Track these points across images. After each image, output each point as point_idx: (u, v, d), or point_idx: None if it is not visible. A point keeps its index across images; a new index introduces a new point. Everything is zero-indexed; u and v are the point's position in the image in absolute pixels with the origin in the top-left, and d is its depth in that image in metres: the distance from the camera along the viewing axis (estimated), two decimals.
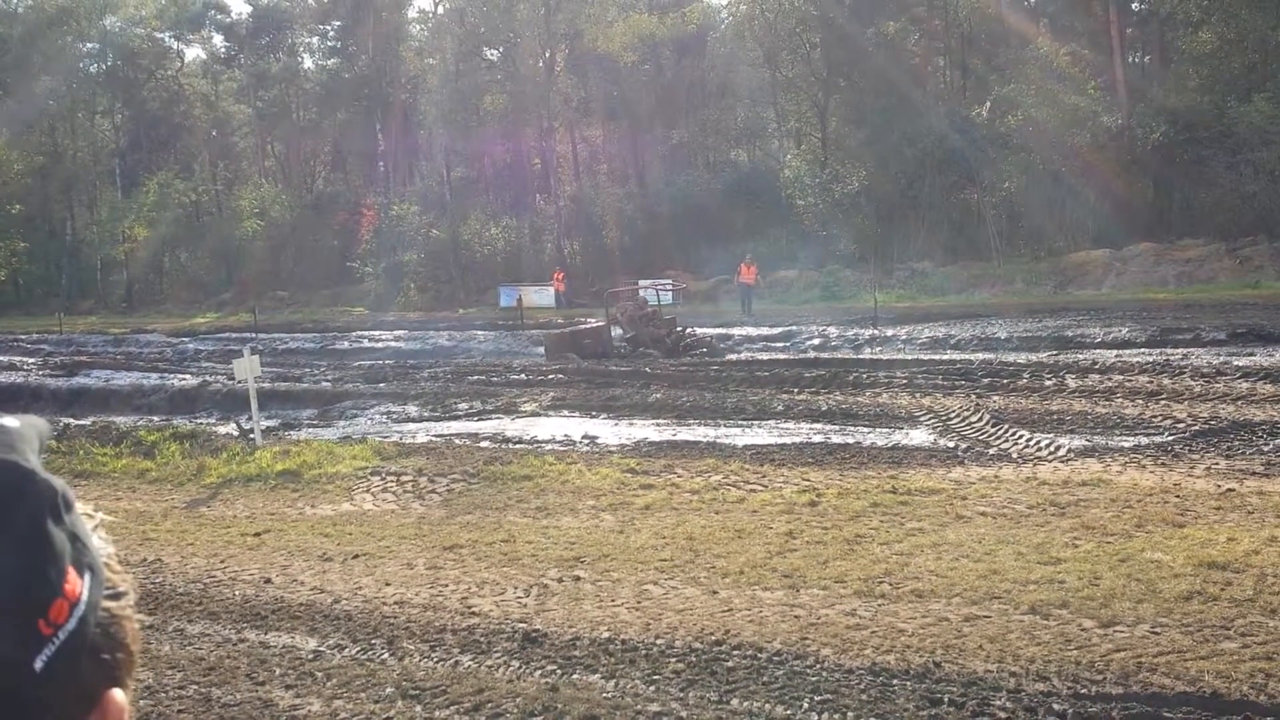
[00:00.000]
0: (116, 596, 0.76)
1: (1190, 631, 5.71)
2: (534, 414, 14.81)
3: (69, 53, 60.87)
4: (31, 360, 26.36)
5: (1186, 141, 35.47)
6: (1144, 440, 10.77)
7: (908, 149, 40.24)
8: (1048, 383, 14.74)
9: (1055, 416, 12.14)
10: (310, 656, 6.13)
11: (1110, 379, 14.65)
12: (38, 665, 0.68)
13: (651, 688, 5.40)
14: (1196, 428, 11.07)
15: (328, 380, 19.53)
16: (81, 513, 0.75)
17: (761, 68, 49.78)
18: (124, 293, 58.45)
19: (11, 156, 59.26)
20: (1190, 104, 36.84)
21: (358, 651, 6.17)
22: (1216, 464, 9.60)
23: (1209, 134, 35.03)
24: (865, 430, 12.36)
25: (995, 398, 13.93)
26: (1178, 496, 8.50)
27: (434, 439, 13.24)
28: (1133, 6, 42.94)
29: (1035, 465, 9.92)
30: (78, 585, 0.72)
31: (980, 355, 17.10)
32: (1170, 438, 10.78)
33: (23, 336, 36.58)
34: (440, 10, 59.74)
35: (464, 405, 15.74)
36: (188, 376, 21.19)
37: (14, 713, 0.67)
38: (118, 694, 0.75)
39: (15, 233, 59.70)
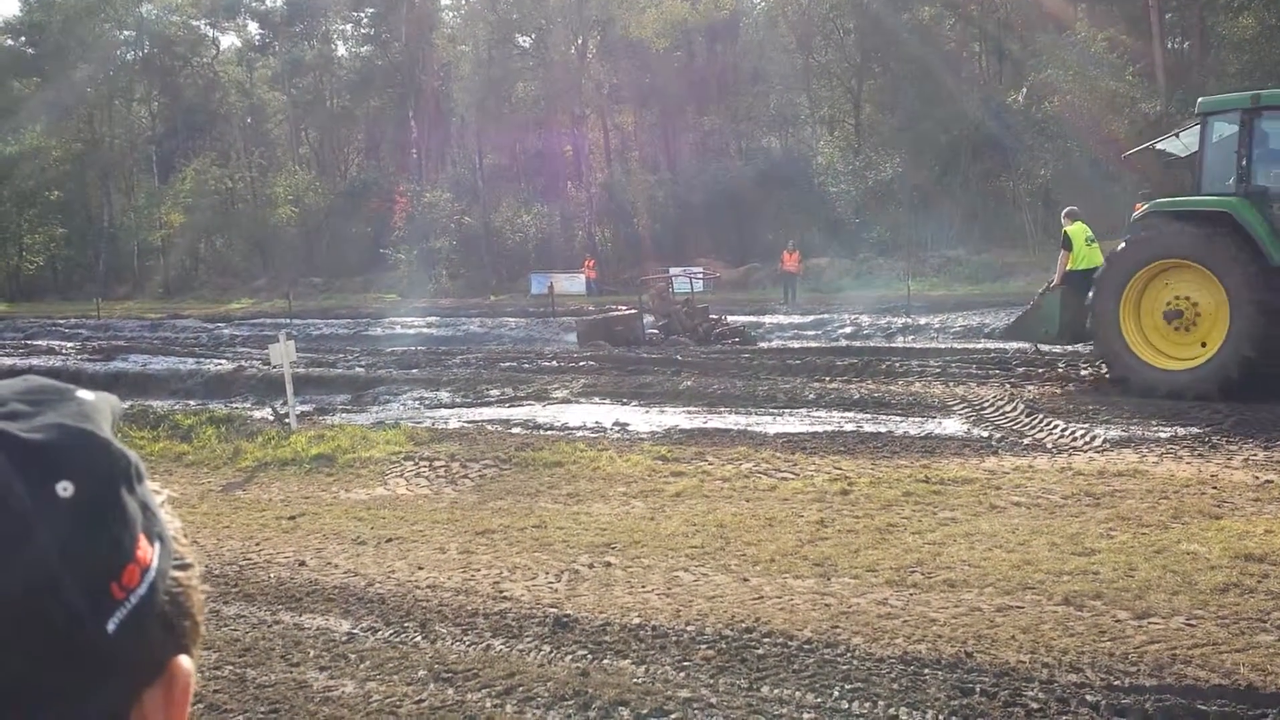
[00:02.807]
0: (184, 567, 0.78)
1: (1226, 624, 5.65)
2: (565, 401, 14.84)
3: (106, 40, 61.56)
4: (69, 344, 26.73)
5: None
6: (1181, 431, 10.64)
7: (942, 135, 39.92)
8: (1083, 372, 14.61)
9: (1091, 406, 12.02)
10: (344, 639, 6.19)
11: None
12: (110, 627, 0.70)
13: (682, 674, 5.41)
14: (1234, 418, 10.93)
15: (361, 366, 19.67)
16: (150, 487, 0.78)
17: (794, 53, 49.49)
18: (160, 278, 59.10)
19: (50, 144, 60.08)
20: (1231, 90, 36.24)
21: (391, 634, 6.22)
22: (1254, 455, 9.48)
23: None
24: (898, 419, 12.29)
25: (1030, 387, 13.82)
26: (1215, 488, 8.40)
27: (466, 425, 13.30)
28: None
29: (1070, 455, 9.83)
30: (149, 552, 0.74)
31: (1015, 344, 16.93)
32: (1208, 428, 10.65)
33: (61, 321, 37.08)
34: None
35: (495, 391, 15.80)
36: (223, 361, 21.41)
37: (88, 672, 0.69)
38: (185, 660, 0.77)
39: (53, 219, 60.64)
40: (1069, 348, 15.09)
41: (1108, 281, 12.71)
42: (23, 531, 0.67)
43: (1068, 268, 14.44)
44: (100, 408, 0.77)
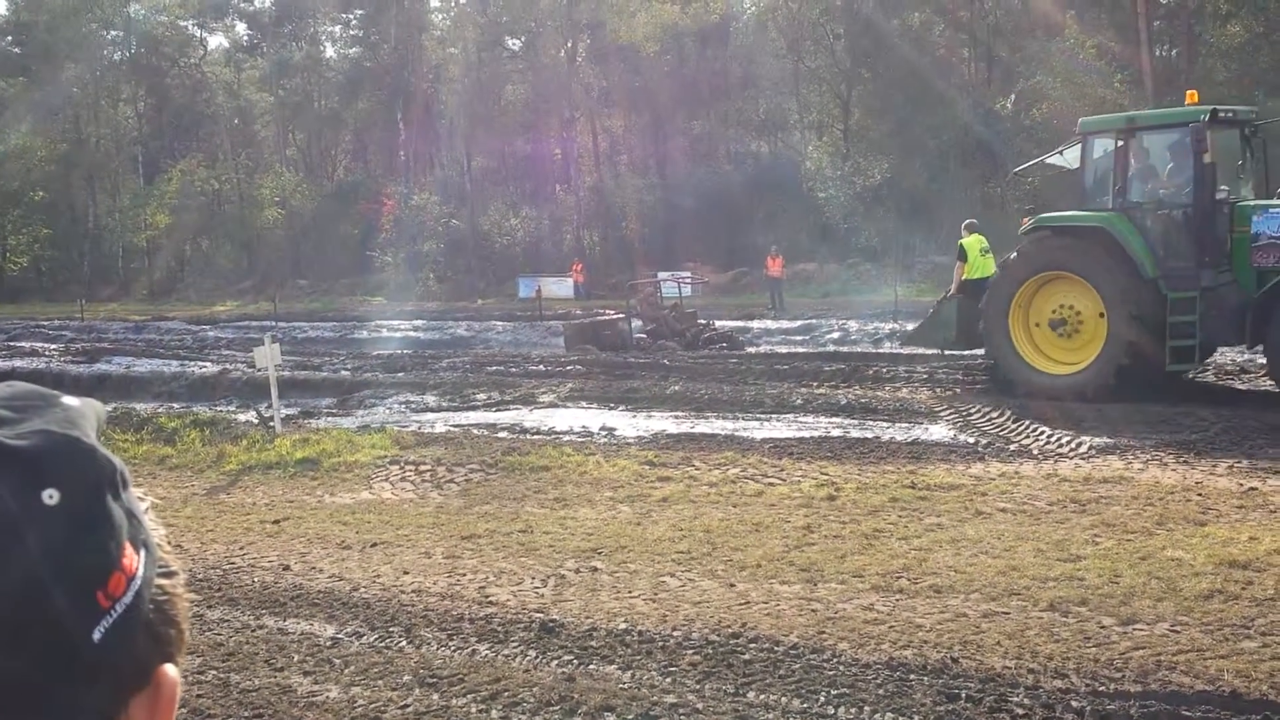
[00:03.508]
0: (169, 574, 0.78)
1: (1210, 630, 5.67)
2: (552, 405, 14.81)
3: (93, 40, 61.28)
4: (53, 346, 26.55)
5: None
6: (1166, 437, 10.67)
7: (931, 141, 40.03)
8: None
9: (1077, 413, 12.06)
10: (328, 643, 6.16)
11: None
12: (96, 636, 0.70)
13: (668, 679, 5.40)
14: (1220, 426, 10.98)
15: (347, 369, 19.59)
16: (135, 494, 0.77)
17: (784, 58, 49.56)
18: (145, 280, 58.80)
19: (35, 143, 59.76)
20: (1218, 98, 36.40)
21: (376, 639, 6.19)
22: (1239, 463, 9.52)
23: None
24: (885, 425, 12.30)
25: (1017, 393, 13.83)
26: (1199, 494, 8.44)
27: (452, 429, 13.26)
28: None
29: (1056, 461, 9.86)
30: (134, 560, 0.73)
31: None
32: (1193, 435, 10.69)
33: (44, 323, 36.83)
34: None
35: (482, 395, 15.76)
36: (208, 364, 21.30)
37: (73, 681, 0.69)
38: (170, 669, 0.77)
39: (38, 219, 60.26)
40: (966, 353, 15.78)
41: (998, 291, 13.52)
42: (8, 539, 0.67)
43: (964, 277, 15.33)
44: (85, 413, 0.77)
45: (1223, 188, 12.52)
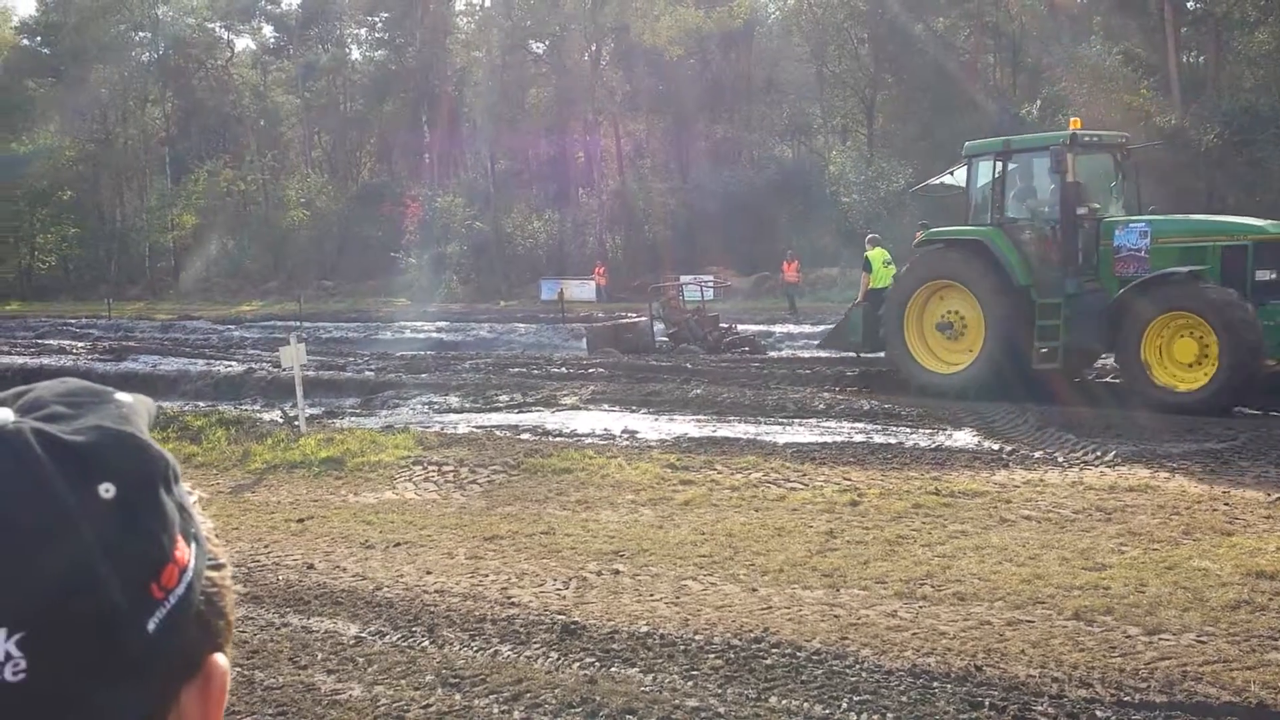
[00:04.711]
0: (218, 567, 0.80)
1: (1237, 641, 5.62)
2: (574, 407, 14.83)
3: (121, 41, 61.85)
4: (80, 344, 26.81)
5: (1242, 143, 34.84)
6: (1193, 447, 10.59)
7: (956, 147, 39.81)
8: (1095, 386, 14.56)
9: (1103, 421, 11.98)
10: (352, 642, 6.19)
11: None
12: (150, 626, 0.71)
13: (689, 683, 5.40)
14: (1247, 435, 10.88)
15: (371, 370, 19.68)
16: (184, 488, 0.79)
17: (808, 63, 49.52)
18: (171, 279, 59.28)
19: (64, 143, 60.41)
20: (1246, 105, 36.18)
21: (399, 638, 6.22)
22: (1266, 472, 9.43)
23: (1265, 135, 34.41)
24: (908, 430, 12.25)
25: (1042, 400, 13.76)
26: (1226, 504, 8.36)
27: (475, 430, 13.30)
28: (1188, 5, 42.21)
29: (1081, 470, 9.80)
30: (186, 553, 0.75)
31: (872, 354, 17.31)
32: (1220, 445, 10.60)
33: (72, 321, 37.22)
34: (488, 2, 59.99)
35: (504, 397, 15.79)
36: (233, 363, 21.44)
37: (126, 671, 0.70)
38: (220, 658, 0.79)
39: (66, 218, 60.93)
40: (872, 354, 16.73)
41: (894, 298, 14.98)
42: (66, 532, 0.68)
43: (870, 287, 16.91)
44: (138, 410, 0.79)
45: (1093, 205, 13.84)
